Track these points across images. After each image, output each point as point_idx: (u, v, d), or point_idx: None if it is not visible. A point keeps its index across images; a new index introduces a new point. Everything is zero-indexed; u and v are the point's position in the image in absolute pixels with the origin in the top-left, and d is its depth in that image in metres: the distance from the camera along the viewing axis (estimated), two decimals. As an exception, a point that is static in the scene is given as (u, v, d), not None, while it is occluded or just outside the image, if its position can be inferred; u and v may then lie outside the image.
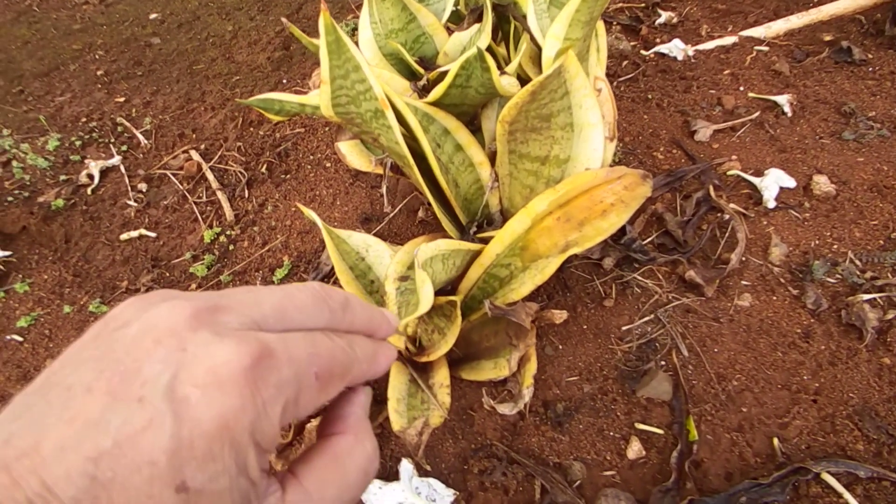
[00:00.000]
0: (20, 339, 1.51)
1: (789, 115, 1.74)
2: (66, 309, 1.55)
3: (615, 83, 1.93)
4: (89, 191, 1.90)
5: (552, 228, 1.08)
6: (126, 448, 0.25)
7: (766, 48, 2.00)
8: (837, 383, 1.19)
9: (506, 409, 1.14)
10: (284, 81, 2.22)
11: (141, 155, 2.02)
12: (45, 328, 1.53)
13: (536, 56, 1.36)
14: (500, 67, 1.37)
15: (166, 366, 0.27)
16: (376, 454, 0.36)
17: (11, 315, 1.57)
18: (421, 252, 0.96)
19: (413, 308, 0.93)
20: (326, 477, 0.32)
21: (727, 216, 1.47)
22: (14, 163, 2.02)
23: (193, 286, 1.58)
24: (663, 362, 1.26)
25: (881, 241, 1.40)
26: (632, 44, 2.09)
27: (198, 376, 0.26)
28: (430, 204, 1.23)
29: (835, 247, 1.40)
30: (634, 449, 1.15)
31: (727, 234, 1.45)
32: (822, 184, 1.51)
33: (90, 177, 1.94)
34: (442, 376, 1.14)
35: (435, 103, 1.21)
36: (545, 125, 1.08)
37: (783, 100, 1.76)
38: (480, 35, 1.38)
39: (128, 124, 2.14)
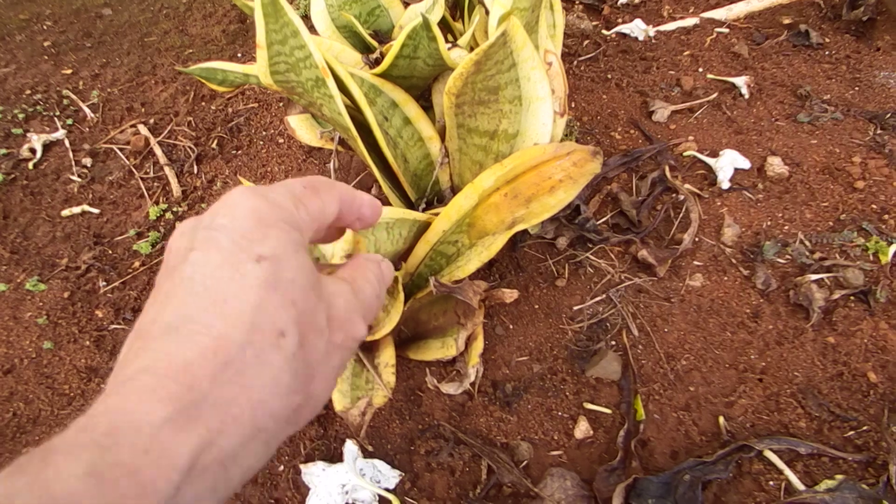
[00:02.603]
0: (-48, 318, 1.44)
1: (746, 96, 1.73)
2: (2, 287, 1.49)
3: (575, 62, 1.91)
4: (31, 165, 1.82)
5: (499, 205, 1.06)
6: (204, 264, 0.32)
7: (726, 30, 1.99)
8: (783, 362, 1.19)
9: (450, 388, 1.12)
10: (239, 55, 2.15)
11: (87, 129, 1.94)
12: (-22, 307, 1.46)
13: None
14: (454, 40, 1.34)
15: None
16: (385, 276, 0.43)
17: (-56, 293, 1.50)
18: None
19: None
20: (352, 274, 0.40)
21: (682, 197, 1.46)
22: (-49, 135, 1.93)
23: (137, 264, 1.52)
24: (613, 342, 1.25)
25: (830, 223, 1.40)
26: (593, 23, 2.07)
27: (219, 210, 0.34)
28: (377, 180, 1.20)
29: (786, 228, 1.40)
30: (582, 429, 1.14)
31: (681, 215, 1.44)
32: (775, 165, 1.51)
33: (32, 151, 1.86)
34: (387, 356, 1.12)
35: (383, 75, 1.18)
36: (493, 98, 1.05)
37: (741, 82, 1.76)
38: (434, 7, 1.35)
39: (74, 97, 2.05)
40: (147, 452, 0.26)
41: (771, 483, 1.04)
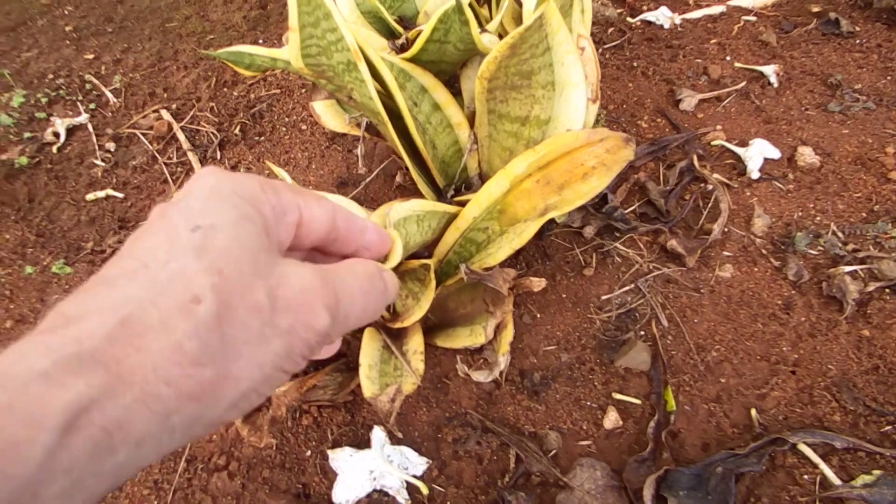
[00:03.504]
0: (-21, 300, 1.45)
1: (775, 85, 1.70)
2: (28, 269, 1.49)
3: (600, 50, 1.88)
4: (55, 149, 1.82)
5: (531, 191, 1.04)
6: (146, 233, 0.32)
7: (753, 18, 1.96)
8: (816, 355, 1.18)
9: (480, 376, 1.11)
10: (260, 41, 2.14)
11: (109, 114, 1.94)
12: (5, 289, 1.47)
13: (518, 15, 1.31)
14: (481, 27, 1.32)
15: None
16: (384, 278, 0.40)
17: (-30, 276, 1.51)
18: (394, 211, 0.91)
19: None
20: (335, 266, 0.37)
21: (710, 186, 1.44)
22: (-24, 119, 1.93)
23: (161, 249, 1.52)
24: (642, 332, 1.24)
25: (864, 214, 1.38)
26: (618, 11, 2.04)
27: (184, 187, 0.34)
28: (406, 167, 1.19)
29: (818, 218, 1.38)
30: (611, 419, 1.13)
31: (710, 205, 1.42)
32: (806, 155, 1.49)
33: (56, 135, 1.86)
34: (416, 343, 1.11)
35: (412, 59, 1.16)
36: (525, 83, 1.03)
37: (770, 70, 1.73)
38: (462, -9, 1.33)
39: (96, 82, 2.05)
40: (12, 409, 0.23)
41: (805, 477, 1.02)
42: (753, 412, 1.11)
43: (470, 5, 1.43)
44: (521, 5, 1.21)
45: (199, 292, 0.28)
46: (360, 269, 0.37)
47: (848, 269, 1.26)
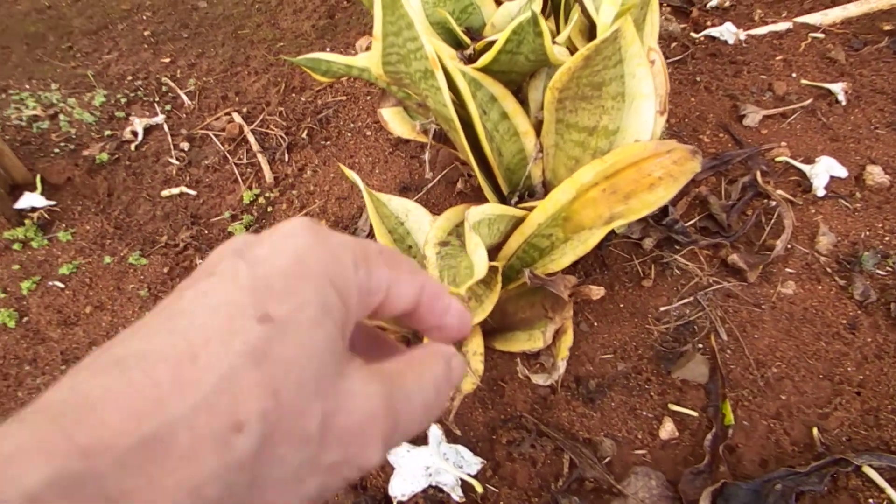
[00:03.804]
0: (62, 285, 1.54)
1: (843, 103, 1.68)
2: (107, 259, 1.58)
3: (664, 64, 1.89)
4: (133, 147, 1.92)
5: (597, 200, 1.06)
6: (204, 296, 0.25)
7: (821, 35, 1.93)
8: (883, 377, 1.16)
9: (540, 379, 1.13)
10: (328, 49, 2.21)
11: (184, 115, 2.03)
12: (85, 276, 1.56)
13: (587, 29, 1.33)
14: (554, 38, 1.34)
15: (236, 248, 0.27)
16: (451, 380, 0.32)
17: (54, 262, 1.60)
18: (471, 214, 0.95)
19: (467, 273, 0.91)
20: (402, 369, 0.30)
21: (773, 202, 1.43)
22: (61, 116, 2.05)
23: (231, 245, 1.59)
24: (700, 345, 1.24)
25: (935, 236, 1.35)
26: (681, 26, 2.04)
27: (265, 238, 0.27)
28: (471, 173, 1.22)
29: (886, 239, 1.35)
30: (667, 429, 1.14)
31: (773, 221, 1.41)
32: (875, 174, 1.46)
33: (134, 133, 1.96)
34: (476, 344, 1.14)
35: (483, 69, 1.20)
36: (596, 94, 1.05)
37: (838, 88, 1.71)
38: (530, 4, 1.36)
39: (172, 84, 2.16)
40: None
41: (871, 501, 1.01)
42: (815, 431, 1.10)
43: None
44: (588, 18, 1.23)
45: (243, 417, 0.22)
46: (429, 375, 0.30)
47: (917, 291, 1.24)
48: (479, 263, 0.89)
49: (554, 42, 1.26)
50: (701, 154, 1.09)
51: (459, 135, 1.10)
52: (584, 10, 1.25)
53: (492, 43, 1.18)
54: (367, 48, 1.23)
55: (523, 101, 1.36)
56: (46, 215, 1.70)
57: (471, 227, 0.92)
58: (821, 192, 1.45)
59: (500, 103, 1.22)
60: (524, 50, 1.14)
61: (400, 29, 0.98)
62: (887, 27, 1.95)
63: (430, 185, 1.60)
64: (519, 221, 1.12)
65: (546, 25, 1.04)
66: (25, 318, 1.49)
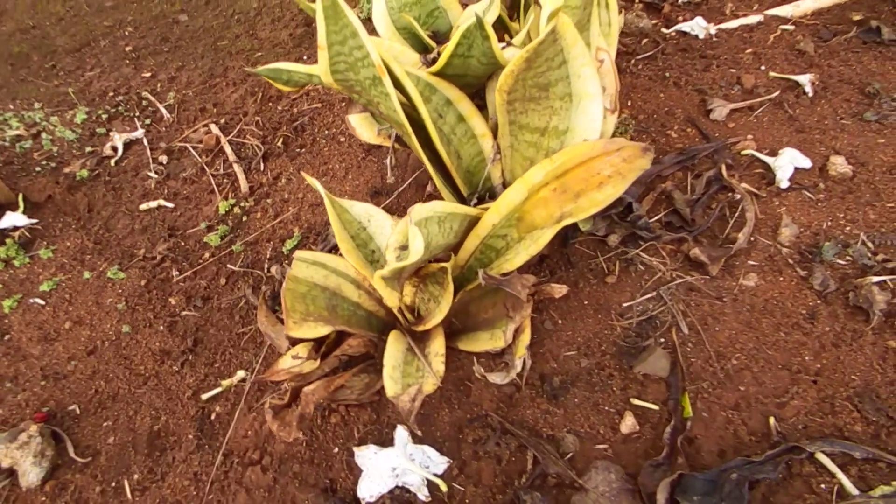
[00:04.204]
0: (42, 302, 1.57)
1: (810, 95, 1.69)
2: (86, 275, 1.61)
3: (633, 61, 1.90)
4: (113, 162, 1.95)
5: (548, 199, 1.08)
6: None
7: (791, 27, 1.94)
8: (840, 365, 1.17)
9: (497, 378, 1.15)
10: (305, 57, 2.24)
11: (163, 128, 2.06)
12: (65, 293, 1.59)
13: (545, 30, 1.35)
14: (510, 40, 1.37)
15: None
16: None
17: (35, 279, 1.63)
18: (415, 211, 0.97)
19: (403, 258, 0.93)
20: None
21: (738, 196, 1.45)
22: (43, 135, 2.09)
23: (207, 255, 1.62)
24: (662, 339, 1.25)
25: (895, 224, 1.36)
26: (653, 21, 2.05)
27: None
28: (432, 176, 1.24)
29: (847, 228, 1.36)
30: (628, 423, 1.15)
31: (737, 214, 1.42)
32: (838, 164, 1.47)
33: (114, 149, 1.99)
34: (437, 345, 1.16)
35: (438, 73, 1.22)
36: (544, 95, 1.07)
37: (805, 79, 1.72)
38: (491, 7, 1.38)
39: (153, 98, 2.19)
40: None
41: (822, 486, 1.02)
42: (772, 420, 1.11)
43: (500, 19, 1.48)
44: (546, 20, 1.25)
45: None
46: None
47: (877, 279, 1.25)
48: (415, 250, 0.91)
49: (510, 44, 1.29)
50: (652, 151, 1.11)
51: (412, 139, 1.12)
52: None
53: (454, 47, 1.20)
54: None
55: (483, 106, 1.38)
56: (28, 234, 1.73)
57: (412, 222, 0.94)
58: (784, 184, 1.46)
59: (456, 106, 1.25)
60: (475, 53, 1.16)
61: (345, 38, 1.00)
62: (857, 17, 1.95)
63: (400, 189, 1.62)
64: (474, 221, 1.14)
65: (491, 29, 1.06)
66: (7, 336, 1.51)
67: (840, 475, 1.01)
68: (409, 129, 1.09)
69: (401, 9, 1.51)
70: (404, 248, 1.10)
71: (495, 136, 1.26)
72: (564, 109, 1.09)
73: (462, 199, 1.30)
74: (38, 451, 1.25)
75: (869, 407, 1.10)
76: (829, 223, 1.38)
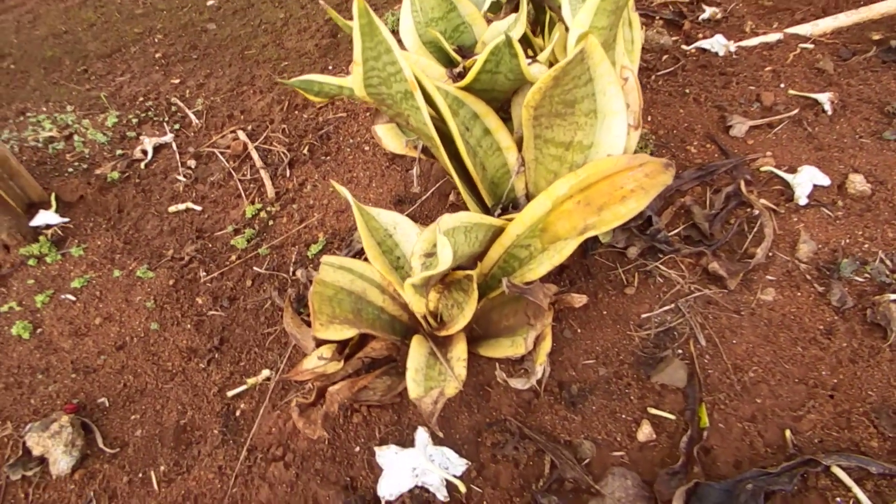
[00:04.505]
0: (73, 298, 1.62)
1: (829, 113, 1.71)
2: (116, 273, 1.66)
3: (653, 77, 1.94)
4: (143, 165, 2.01)
5: (572, 212, 1.11)
6: None
7: (811, 46, 1.97)
8: (857, 380, 1.19)
9: (518, 383, 1.18)
10: (330, 67, 2.29)
11: (192, 133, 2.12)
12: (96, 290, 1.63)
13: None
14: (535, 56, 1.40)
15: None
16: None
17: (67, 276, 1.68)
18: (443, 221, 1.00)
19: (433, 267, 0.97)
20: None
21: (756, 211, 1.47)
22: (76, 137, 2.15)
23: (233, 257, 1.66)
24: (680, 351, 1.27)
25: (914, 243, 1.38)
26: (673, 38, 2.09)
27: None
28: (458, 186, 1.28)
29: (865, 246, 1.38)
30: (645, 432, 1.18)
31: (755, 230, 1.44)
32: (857, 183, 1.49)
33: (144, 152, 2.05)
34: (459, 350, 1.19)
35: (466, 88, 1.26)
36: (569, 111, 1.10)
37: (824, 98, 1.74)
38: (516, 24, 1.42)
39: (181, 104, 2.24)
40: None
41: (838, 500, 1.04)
42: (788, 433, 1.13)
43: (525, 35, 1.52)
44: (571, 36, 1.29)
45: None
46: None
47: (894, 296, 1.27)
48: (444, 258, 0.94)
49: (535, 60, 1.32)
50: (674, 167, 1.14)
51: (441, 151, 1.16)
52: (567, 28, 1.30)
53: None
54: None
55: (508, 118, 1.42)
56: (60, 232, 1.78)
57: (441, 232, 0.97)
58: (803, 201, 1.48)
59: (483, 120, 1.28)
60: (503, 69, 1.20)
61: (379, 53, 1.04)
62: (876, 36, 1.98)
63: (423, 198, 1.65)
64: (498, 231, 1.18)
65: (519, 47, 1.10)
66: (39, 330, 1.56)
67: (856, 489, 1.03)
68: (438, 142, 1.13)
69: (427, 24, 1.55)
70: (429, 255, 1.14)
71: (520, 149, 1.29)
72: (589, 125, 1.12)
73: (486, 210, 1.34)
74: (68, 441, 1.29)
75: (885, 423, 1.12)
76: (848, 240, 1.40)
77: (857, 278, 1.34)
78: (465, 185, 1.27)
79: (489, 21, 1.64)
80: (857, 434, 1.12)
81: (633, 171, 1.11)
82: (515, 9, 1.55)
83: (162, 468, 1.26)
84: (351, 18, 1.03)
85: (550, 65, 1.37)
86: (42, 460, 1.29)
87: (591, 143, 1.15)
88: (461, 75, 1.40)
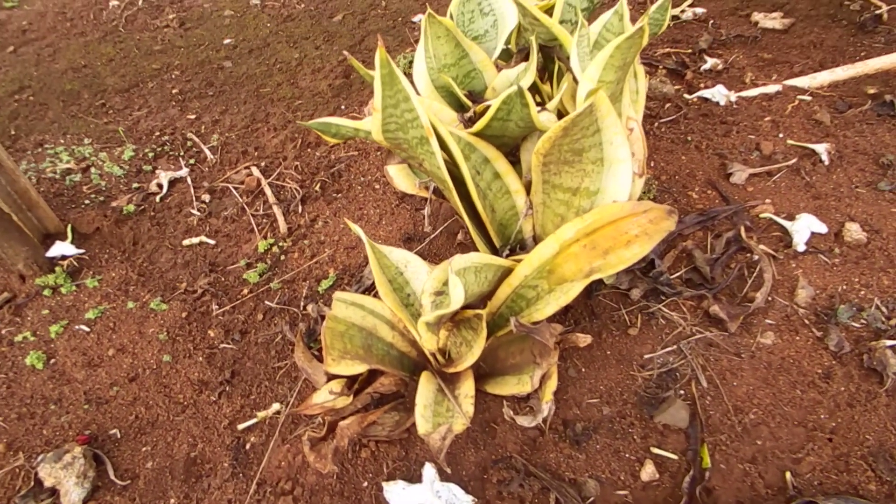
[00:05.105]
0: (87, 329, 1.65)
1: (826, 163, 1.77)
2: (130, 305, 1.69)
3: (656, 124, 2.00)
4: (158, 199, 2.06)
5: (578, 255, 1.16)
6: None
7: (808, 98, 2.04)
8: (854, 424, 1.22)
9: (525, 421, 1.21)
10: (343, 107, 2.36)
11: (206, 168, 2.18)
12: (109, 321, 1.67)
13: (576, 93, 1.45)
14: (543, 104, 1.46)
15: None
16: None
17: (81, 307, 1.71)
18: (455, 261, 1.05)
19: (445, 306, 1.01)
20: None
21: (756, 257, 1.51)
22: (92, 169, 2.20)
23: (245, 291, 1.70)
24: (682, 391, 1.31)
25: (909, 290, 1.42)
26: (675, 87, 2.16)
27: None
28: (467, 227, 1.32)
29: (862, 293, 1.42)
30: (648, 471, 1.20)
31: (755, 274, 1.49)
32: (853, 231, 1.54)
33: (159, 186, 2.10)
34: (467, 387, 1.22)
35: (478, 134, 1.31)
36: (577, 159, 1.16)
37: (821, 148, 1.80)
38: (526, 73, 1.48)
39: (197, 140, 2.31)
40: None
41: (836, 541, 1.06)
42: (788, 475, 1.16)
43: (534, 83, 1.59)
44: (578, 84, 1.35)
45: None
46: None
47: (890, 343, 1.30)
48: (455, 298, 0.98)
49: (544, 108, 1.38)
50: (676, 214, 1.19)
51: (453, 194, 1.21)
52: (574, 78, 1.37)
53: (489, 107, 1.30)
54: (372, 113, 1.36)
55: (517, 162, 1.47)
56: (76, 263, 1.82)
57: (453, 272, 1.01)
58: (801, 248, 1.53)
59: (493, 164, 1.34)
60: (513, 117, 1.26)
61: (398, 101, 1.10)
62: (871, 90, 2.05)
63: (431, 236, 1.70)
64: (506, 272, 1.22)
65: (530, 98, 1.16)
66: (52, 360, 1.59)
67: (853, 531, 1.05)
68: (451, 185, 1.18)
69: (440, 69, 1.62)
70: (439, 293, 1.18)
71: (528, 192, 1.34)
72: (596, 172, 1.18)
73: (494, 250, 1.38)
74: (80, 472, 1.31)
75: (883, 467, 1.15)
76: (844, 287, 1.44)
77: (853, 324, 1.37)
78: (474, 226, 1.32)
79: (499, 68, 1.71)
80: (855, 477, 1.15)
81: (638, 217, 1.16)
82: (525, 57, 1.62)
83: (172, 501, 1.28)
84: (362, 61, 1.09)
85: (559, 113, 1.43)
86: (53, 492, 1.31)
87: (598, 189, 1.20)
88: (472, 120, 1.46)
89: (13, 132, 2.50)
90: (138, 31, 3.26)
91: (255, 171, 2.08)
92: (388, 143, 1.19)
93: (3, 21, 3.47)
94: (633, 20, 2.24)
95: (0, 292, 1.78)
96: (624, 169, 1.16)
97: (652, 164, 1.83)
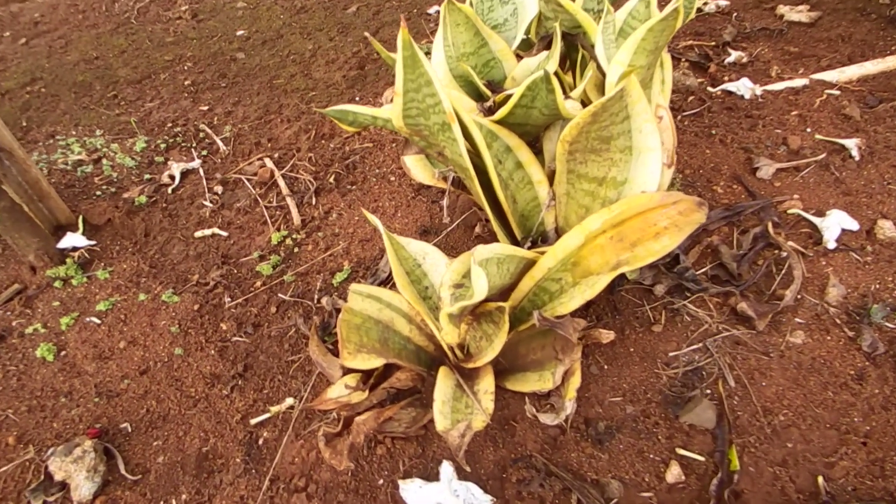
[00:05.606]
0: (98, 321, 1.62)
1: (857, 159, 1.72)
2: (141, 297, 1.66)
3: (679, 117, 1.95)
4: (170, 190, 2.03)
5: (605, 247, 1.11)
6: None
7: (837, 92, 1.98)
8: (890, 428, 1.17)
9: (547, 419, 1.16)
10: (357, 99, 2.33)
11: (219, 160, 2.15)
12: (121, 313, 1.64)
13: (601, 84, 1.40)
14: (564, 93, 1.42)
15: None
16: None
17: (92, 299, 1.69)
18: (478, 252, 1.01)
19: (468, 298, 0.97)
20: None
21: (784, 253, 1.46)
22: (104, 161, 2.18)
23: (258, 283, 1.67)
24: (708, 391, 1.26)
25: (946, 289, 1.36)
26: (699, 80, 2.11)
27: None
28: (487, 218, 1.29)
29: (896, 291, 1.38)
30: (674, 473, 1.16)
31: (783, 271, 1.44)
32: (886, 229, 1.49)
33: (171, 177, 2.07)
34: (487, 383, 1.18)
35: (500, 121, 1.27)
36: (605, 147, 1.12)
37: (852, 143, 1.75)
38: (548, 61, 1.44)
39: (209, 131, 2.28)
40: None
41: (873, 548, 1.01)
42: (820, 480, 1.11)
43: (555, 73, 1.54)
44: (603, 74, 1.31)
45: None
46: None
47: (926, 343, 1.25)
48: (479, 289, 0.94)
49: (568, 97, 1.34)
50: (707, 206, 1.14)
51: (474, 183, 1.17)
52: (598, 67, 1.32)
53: (510, 95, 1.26)
54: (392, 100, 1.31)
55: (539, 152, 1.43)
56: (87, 254, 1.79)
57: (476, 262, 0.97)
58: (831, 245, 1.47)
59: (515, 153, 1.29)
60: (538, 105, 1.21)
61: (419, 86, 1.06)
62: (902, 84, 1.99)
63: (448, 228, 1.66)
64: (529, 264, 1.18)
65: (557, 83, 1.11)
66: (63, 353, 1.57)
67: (892, 539, 1.01)
68: (473, 173, 1.14)
69: (459, 58, 1.58)
70: (459, 286, 1.14)
71: (551, 182, 1.30)
72: (624, 161, 1.13)
73: (515, 242, 1.34)
74: (91, 466, 1.28)
75: (920, 472, 1.10)
76: (877, 286, 1.39)
77: (887, 324, 1.32)
78: (495, 217, 1.28)
79: (519, 58, 1.66)
80: (891, 483, 1.10)
81: (667, 209, 1.12)
82: (546, 46, 1.58)
83: (183, 496, 1.25)
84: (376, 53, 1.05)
85: (583, 103, 1.39)
86: (63, 485, 1.28)
87: (626, 180, 1.16)
88: (491, 110, 1.42)
89: (25, 123, 2.48)
90: (150, 22, 3.24)
91: (269, 163, 2.05)
92: (409, 129, 1.15)
93: (15, 13, 3.47)
94: (660, 9, 2.19)
95: (11, 283, 1.76)
96: (653, 158, 1.12)
97: (675, 158, 1.78)
